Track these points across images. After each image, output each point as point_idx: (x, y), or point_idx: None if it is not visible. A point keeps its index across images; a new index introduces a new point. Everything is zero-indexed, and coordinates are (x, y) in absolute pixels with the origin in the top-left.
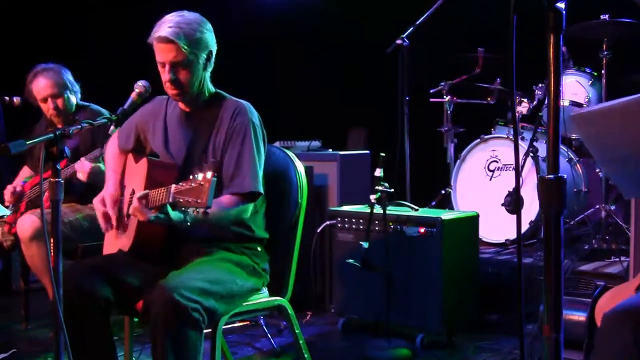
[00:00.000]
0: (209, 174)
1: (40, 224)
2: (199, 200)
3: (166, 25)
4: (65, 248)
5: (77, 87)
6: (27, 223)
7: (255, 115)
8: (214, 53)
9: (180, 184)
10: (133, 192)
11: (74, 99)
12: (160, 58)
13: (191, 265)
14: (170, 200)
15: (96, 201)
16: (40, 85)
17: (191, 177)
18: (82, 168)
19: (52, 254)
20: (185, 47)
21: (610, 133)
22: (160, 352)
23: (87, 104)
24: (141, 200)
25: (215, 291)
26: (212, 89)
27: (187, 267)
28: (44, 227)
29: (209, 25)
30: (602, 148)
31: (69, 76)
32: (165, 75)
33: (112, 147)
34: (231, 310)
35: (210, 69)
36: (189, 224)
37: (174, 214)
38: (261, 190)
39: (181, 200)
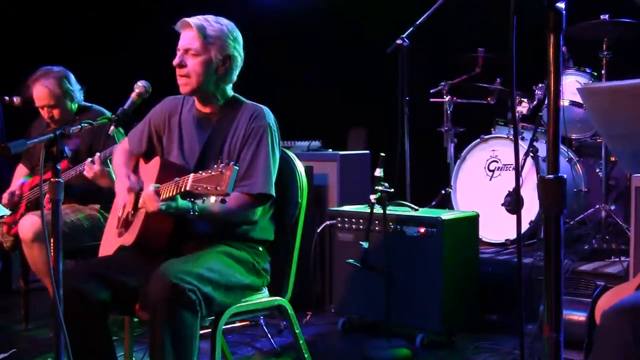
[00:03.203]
0: (231, 163)
1: (41, 225)
2: (218, 187)
3: (195, 17)
4: (66, 247)
5: (78, 93)
6: (28, 224)
7: (272, 120)
8: (235, 64)
9: (199, 172)
10: (141, 190)
11: (74, 105)
12: (179, 44)
13: (190, 256)
14: (188, 188)
15: (118, 180)
16: (38, 94)
17: (213, 166)
18: (91, 168)
19: (52, 254)
20: (200, 37)
21: (618, 109)
22: (157, 334)
23: (90, 104)
24: (154, 191)
25: (214, 279)
26: (230, 94)
27: (186, 256)
28: (44, 229)
29: (236, 35)
30: (608, 122)
31: (69, 83)
32: (175, 59)
33: (121, 154)
34: (229, 303)
35: (228, 76)
36: (196, 213)
37: (183, 203)
38: (272, 192)
39: (199, 188)
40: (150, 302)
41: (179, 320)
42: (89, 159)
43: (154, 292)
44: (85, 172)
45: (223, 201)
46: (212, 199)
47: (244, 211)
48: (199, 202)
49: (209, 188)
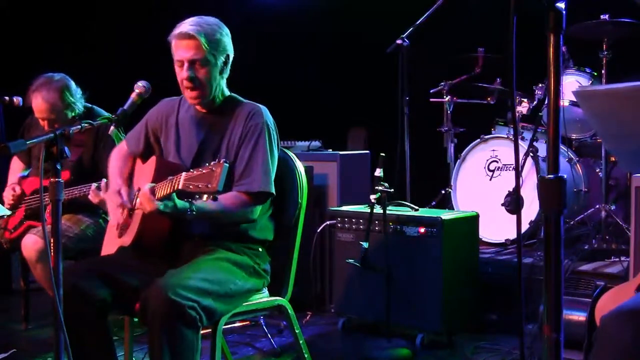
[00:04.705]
0: (222, 160)
1: (44, 245)
2: (209, 185)
3: (187, 24)
4: (76, 257)
5: (79, 102)
6: (31, 244)
7: (270, 118)
8: (231, 59)
9: (191, 170)
10: (139, 190)
11: (74, 113)
12: (178, 56)
13: (189, 265)
14: (181, 186)
15: (111, 193)
16: (37, 107)
17: (205, 164)
18: (97, 195)
19: (52, 254)
20: (206, 46)
21: (614, 112)
22: (156, 350)
23: (91, 106)
24: (150, 190)
25: (213, 290)
26: (227, 93)
27: (185, 266)
28: (47, 246)
29: (227, 30)
30: (605, 124)
31: (70, 94)
32: (183, 73)
33: (119, 153)
34: (231, 310)
35: (226, 75)
36: (194, 212)
37: (180, 203)
38: (272, 190)
39: (191, 186)
40: (149, 315)
41: (179, 337)
42: (94, 184)
43: (152, 309)
44: (90, 197)
45: (214, 199)
46: (205, 197)
47: (243, 210)
48: (196, 201)
49: (200, 186)
